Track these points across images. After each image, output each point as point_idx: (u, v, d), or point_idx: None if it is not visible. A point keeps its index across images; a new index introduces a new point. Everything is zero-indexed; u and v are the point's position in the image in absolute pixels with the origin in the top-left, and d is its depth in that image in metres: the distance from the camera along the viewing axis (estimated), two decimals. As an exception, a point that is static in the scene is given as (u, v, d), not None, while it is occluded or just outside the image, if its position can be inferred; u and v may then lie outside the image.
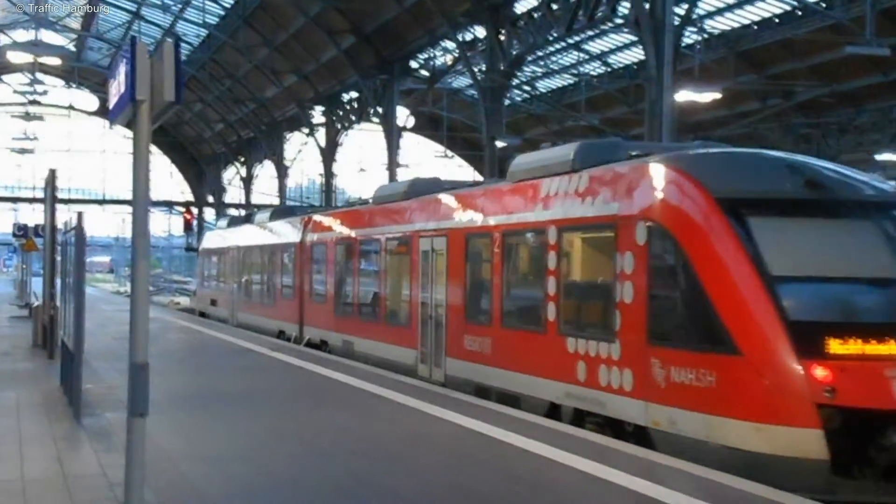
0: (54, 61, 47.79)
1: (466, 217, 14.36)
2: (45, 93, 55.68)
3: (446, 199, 15.39)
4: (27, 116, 55.15)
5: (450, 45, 36.18)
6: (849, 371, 8.41)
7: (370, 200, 20.16)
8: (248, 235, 28.38)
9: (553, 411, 11.38)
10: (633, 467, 8.33)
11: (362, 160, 63.15)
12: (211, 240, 34.49)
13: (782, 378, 8.49)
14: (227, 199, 65.71)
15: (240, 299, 28.03)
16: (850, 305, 9.21)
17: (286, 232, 24.15)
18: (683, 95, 27.00)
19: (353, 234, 19.34)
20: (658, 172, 10.19)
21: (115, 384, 13.12)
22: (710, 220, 9.39)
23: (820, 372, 8.36)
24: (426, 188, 16.78)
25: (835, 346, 8.51)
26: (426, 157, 63.35)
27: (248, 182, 62.07)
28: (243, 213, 48.29)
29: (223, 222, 35.86)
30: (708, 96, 30.12)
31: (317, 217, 22.32)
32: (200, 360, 18.31)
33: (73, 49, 55.07)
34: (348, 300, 19.38)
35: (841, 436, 8.21)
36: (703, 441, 8.89)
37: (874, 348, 8.56)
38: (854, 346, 8.53)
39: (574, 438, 9.71)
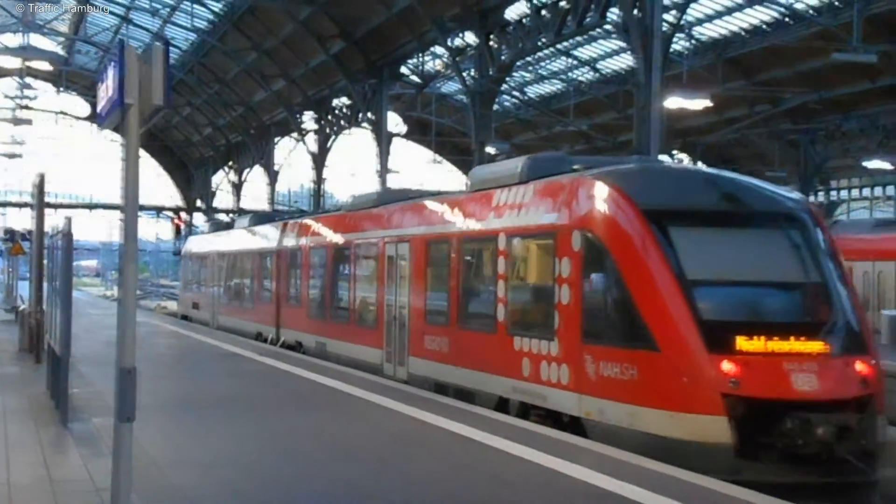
0: (43, 65, 47.63)
1: (427, 224, 15.26)
2: (34, 97, 55.47)
3: (410, 207, 16.39)
4: (15, 120, 54.96)
5: (439, 50, 36.23)
6: (752, 365, 9.39)
7: (341, 208, 21.07)
8: (228, 241, 29.08)
9: (502, 405, 12.20)
10: (623, 471, 8.35)
11: (353, 165, 63.17)
12: (193, 245, 35.17)
13: (693, 371, 9.50)
14: (217, 203, 65.59)
15: (220, 303, 28.73)
16: (757, 307, 10.26)
17: (264, 238, 24.94)
18: (672, 102, 27.10)
19: (325, 240, 20.13)
20: (592, 186, 11.12)
21: (102, 389, 13.07)
22: (636, 230, 10.39)
23: (726, 365, 9.33)
24: (393, 197, 17.85)
25: (741, 342, 9.48)
26: (416, 163, 63.41)
27: (237, 186, 61.97)
28: (232, 217, 48.59)
29: (205, 228, 36.71)
30: (697, 103, 30.22)
31: (292, 224, 23.09)
32: (188, 364, 18.27)
33: (63, 53, 54.95)
34: (321, 303, 20.13)
35: (744, 422, 9.16)
36: (626, 428, 9.84)
37: (776, 345, 9.53)
38: (758, 343, 9.50)
39: (568, 445, 9.71)
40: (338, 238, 19.30)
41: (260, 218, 28.35)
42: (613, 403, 10.05)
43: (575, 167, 12.39)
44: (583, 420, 10.53)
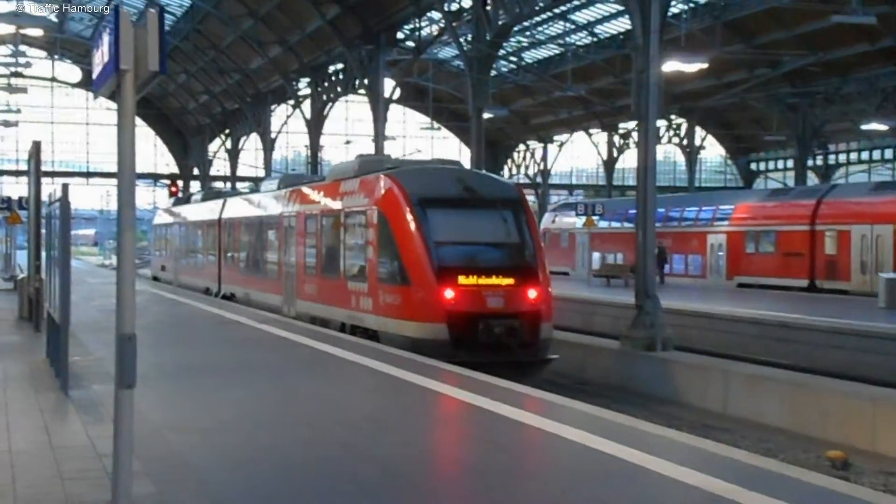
0: (36, 32, 47.12)
1: (306, 204, 21.07)
2: (28, 65, 54.97)
3: (297, 191, 22.18)
4: (10, 88, 54.53)
5: (436, 15, 35.96)
6: (465, 293, 15.30)
7: (259, 189, 27.56)
8: (186, 213, 34.65)
9: (342, 328, 17.66)
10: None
11: (349, 132, 62.89)
12: (161, 216, 40.32)
13: (430, 297, 15.34)
14: (213, 171, 65.33)
15: (180, 265, 34.61)
16: (473, 258, 16.02)
17: (210, 211, 30.60)
18: (670, 65, 26.96)
19: (248, 214, 26.23)
20: (383, 181, 16.90)
21: (101, 356, 13.12)
22: (404, 209, 16.08)
23: (449, 293, 15.25)
24: (292, 182, 24.09)
25: (460, 279, 15.34)
26: (414, 129, 63.19)
27: (233, 154, 61.69)
28: (228, 185, 48.91)
29: (170, 202, 41.82)
30: (695, 66, 30.09)
31: (229, 200, 29.46)
32: (187, 332, 18.32)
33: (55, 20, 54.43)
34: (246, 264, 26.30)
35: (457, 327, 15.07)
36: (395, 334, 15.57)
37: (481, 280, 15.43)
38: (471, 280, 15.38)
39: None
40: (255, 212, 25.43)
41: (210, 194, 34.01)
42: (390, 319, 15.95)
43: (388, 166, 18.07)
44: (379, 333, 16.15)
